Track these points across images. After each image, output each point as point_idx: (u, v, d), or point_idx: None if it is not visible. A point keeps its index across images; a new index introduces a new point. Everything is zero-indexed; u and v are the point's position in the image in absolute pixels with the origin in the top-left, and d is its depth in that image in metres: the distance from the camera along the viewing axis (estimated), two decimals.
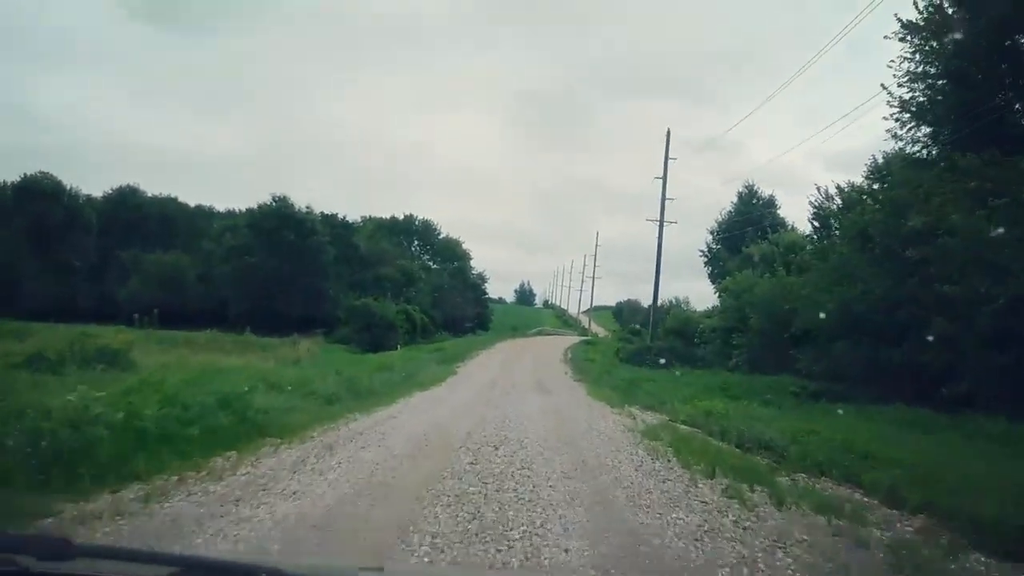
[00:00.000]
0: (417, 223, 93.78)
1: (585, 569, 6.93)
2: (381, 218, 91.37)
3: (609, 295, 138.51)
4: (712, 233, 59.06)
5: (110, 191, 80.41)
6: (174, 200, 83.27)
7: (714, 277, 56.30)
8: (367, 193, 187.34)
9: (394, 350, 48.63)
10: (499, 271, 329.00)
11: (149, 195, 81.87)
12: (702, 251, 59.46)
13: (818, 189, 35.82)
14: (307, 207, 69.59)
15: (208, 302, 66.06)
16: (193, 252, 71.69)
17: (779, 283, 33.96)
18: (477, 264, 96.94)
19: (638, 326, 70.44)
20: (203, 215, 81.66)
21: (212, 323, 60.09)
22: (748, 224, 54.10)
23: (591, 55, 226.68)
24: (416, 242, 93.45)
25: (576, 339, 75.89)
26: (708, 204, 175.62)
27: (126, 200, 79.94)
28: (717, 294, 55.08)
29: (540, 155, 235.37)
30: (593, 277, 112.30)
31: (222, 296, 65.45)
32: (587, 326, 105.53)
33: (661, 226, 49.16)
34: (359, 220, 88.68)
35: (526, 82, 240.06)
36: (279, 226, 66.76)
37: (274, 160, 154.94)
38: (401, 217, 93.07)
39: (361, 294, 63.14)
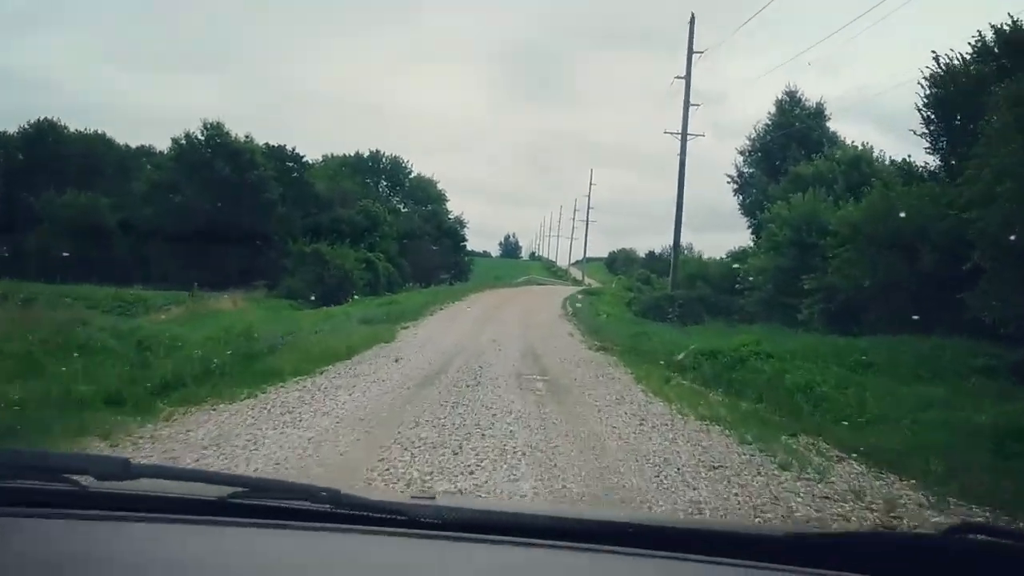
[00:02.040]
0: (384, 160, 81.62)
1: None
2: (344, 156, 79.49)
3: (595, 250, 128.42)
4: (743, 153, 47.27)
5: (26, 126, 68.64)
6: (101, 136, 71.14)
7: (748, 209, 44.91)
8: (339, 150, 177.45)
9: (346, 303, 38.80)
10: (483, 226, 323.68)
11: (72, 131, 69.94)
12: (730, 176, 47.61)
13: (936, 60, 24.33)
14: (247, 136, 57.94)
15: (132, 252, 55.61)
16: (120, 195, 60.30)
17: (892, 195, 22.89)
18: (455, 208, 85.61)
19: (649, 273, 60.07)
20: (137, 154, 69.55)
21: (133, 277, 51.14)
22: (790, 138, 42.76)
23: (572, 6, 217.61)
24: (384, 182, 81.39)
25: (572, 289, 64.29)
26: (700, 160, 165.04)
27: (44, 137, 68.24)
28: (751, 230, 44.25)
29: (523, 110, 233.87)
30: (587, 220, 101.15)
31: (146, 244, 54.52)
32: (580, 277, 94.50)
33: (684, 137, 38.18)
34: (320, 159, 77.51)
35: (506, 36, 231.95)
36: (211, 158, 55.22)
37: (245, 112, 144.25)
38: (366, 154, 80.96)
39: (314, 240, 52.22)
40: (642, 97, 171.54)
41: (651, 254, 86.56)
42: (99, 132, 71.04)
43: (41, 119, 68.75)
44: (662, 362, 18.14)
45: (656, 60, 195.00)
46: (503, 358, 18.77)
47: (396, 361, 17.49)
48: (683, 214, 38.46)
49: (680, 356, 17.81)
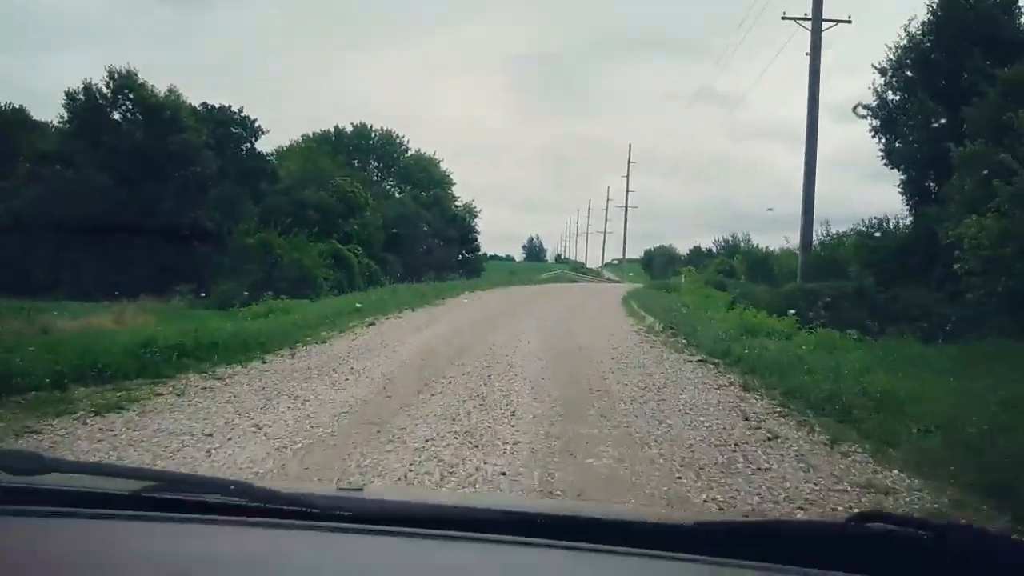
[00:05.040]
0: (374, 135, 65.73)
1: None
2: (324, 131, 64.31)
3: (619, 255, 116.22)
4: (885, 73, 30.36)
5: None
6: (17, 111, 56.57)
7: (894, 157, 28.89)
8: None
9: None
10: (507, 232, 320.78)
11: None
12: (867, 107, 30.63)
13: None
14: (170, 89, 42.74)
15: (16, 250, 40.66)
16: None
17: None
18: (463, 192, 70.24)
19: (731, 262, 46.19)
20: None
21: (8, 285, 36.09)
22: (967, 40, 26.89)
23: (589, 14, 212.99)
24: (373, 162, 65.80)
25: (620, 287, 48.29)
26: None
27: None
28: (900, 186, 28.85)
29: (541, 117, 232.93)
30: (626, 205, 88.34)
31: (28, 239, 39.67)
32: (616, 278, 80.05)
33: (817, 48, 22.99)
34: (299, 140, 62.75)
35: (523, 45, 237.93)
36: (119, 120, 40.21)
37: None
38: (350, 128, 65.32)
39: (267, 228, 37.16)
40: (661, 102, 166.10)
41: (696, 249, 78.30)
42: (16, 107, 57.04)
43: None
44: None
45: (675, 67, 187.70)
46: None
47: None
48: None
49: None
